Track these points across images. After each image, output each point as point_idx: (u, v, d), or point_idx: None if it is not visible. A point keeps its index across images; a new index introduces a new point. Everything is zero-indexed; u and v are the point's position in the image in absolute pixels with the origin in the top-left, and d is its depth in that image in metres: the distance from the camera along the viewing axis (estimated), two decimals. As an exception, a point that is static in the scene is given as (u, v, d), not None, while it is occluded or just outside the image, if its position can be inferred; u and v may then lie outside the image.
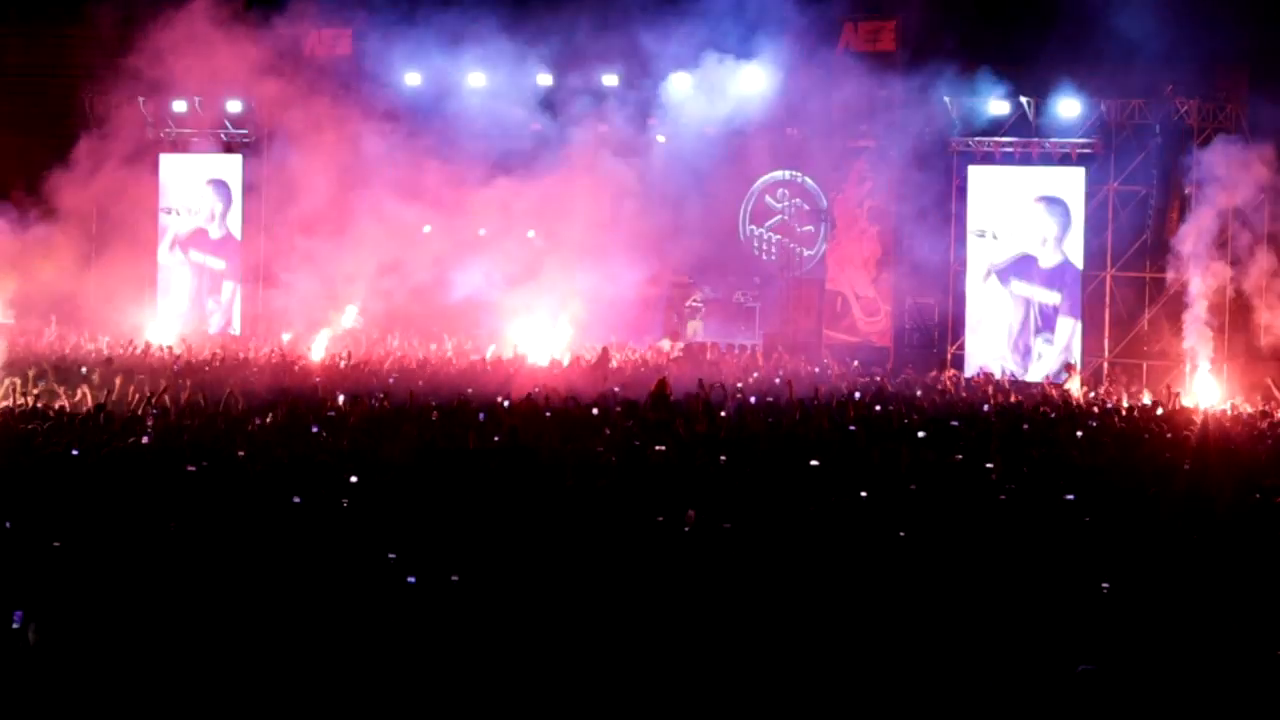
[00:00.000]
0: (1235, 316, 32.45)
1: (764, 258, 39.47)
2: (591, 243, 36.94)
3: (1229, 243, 31.95)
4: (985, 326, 34.52)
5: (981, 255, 34.44)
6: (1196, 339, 31.31)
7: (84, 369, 29.30)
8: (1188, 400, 29.59)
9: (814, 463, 20.02)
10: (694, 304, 39.63)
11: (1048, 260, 33.93)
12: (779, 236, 38.97)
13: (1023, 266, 34.08)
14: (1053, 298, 33.89)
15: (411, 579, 13.94)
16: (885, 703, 11.63)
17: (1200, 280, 31.66)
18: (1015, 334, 34.29)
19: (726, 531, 16.24)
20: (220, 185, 40.16)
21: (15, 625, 11.70)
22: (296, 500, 17.05)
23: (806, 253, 38.60)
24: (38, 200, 37.00)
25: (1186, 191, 32.92)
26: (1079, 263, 33.81)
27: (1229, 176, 31.67)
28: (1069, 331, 33.79)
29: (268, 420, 23.09)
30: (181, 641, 12.21)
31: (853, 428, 23.07)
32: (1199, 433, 23.89)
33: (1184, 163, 32.81)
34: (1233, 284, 32.40)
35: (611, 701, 11.57)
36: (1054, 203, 34.00)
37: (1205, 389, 30.61)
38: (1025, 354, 34.14)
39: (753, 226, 39.80)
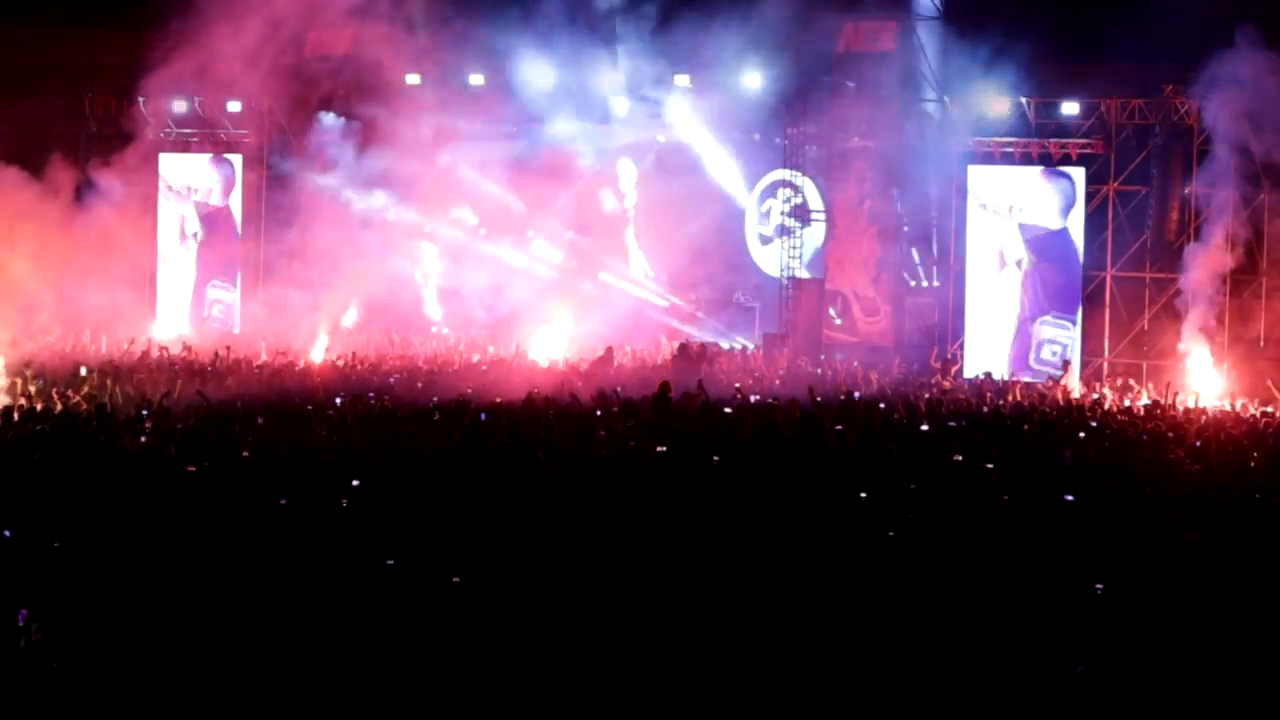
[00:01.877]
0: (1235, 316, 32.46)
1: (764, 258, 39.44)
2: (592, 243, 36.97)
3: (1229, 242, 31.94)
4: (985, 326, 34.55)
5: (994, 242, 34.47)
6: (1196, 339, 31.31)
7: (83, 370, 29.28)
8: (1188, 400, 29.59)
9: (814, 463, 20.03)
10: (688, 306, 39.55)
11: (1057, 228, 34.00)
12: (779, 236, 38.93)
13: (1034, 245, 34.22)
14: (1055, 293, 34.04)
15: (412, 579, 13.96)
16: (886, 703, 11.64)
17: (1200, 280, 31.65)
18: (1015, 333, 34.33)
19: (727, 533, 16.24)
20: (223, 162, 40.14)
21: (20, 624, 11.72)
22: (295, 501, 17.06)
23: (807, 253, 38.57)
24: (38, 199, 36.93)
25: (1186, 191, 32.94)
26: (1079, 263, 33.83)
27: (1229, 176, 31.69)
28: (1069, 330, 33.83)
29: (259, 421, 23.09)
30: (182, 641, 12.22)
31: (839, 427, 23.04)
32: (1199, 432, 23.87)
33: (1183, 162, 32.84)
34: (1233, 283, 32.42)
35: (612, 702, 11.58)
36: (1059, 175, 33.99)
37: (1205, 389, 30.61)
38: (1025, 353, 34.17)
39: (753, 226, 39.78)
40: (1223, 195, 31.64)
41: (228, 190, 40.14)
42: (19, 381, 26.56)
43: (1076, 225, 33.90)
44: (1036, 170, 34.08)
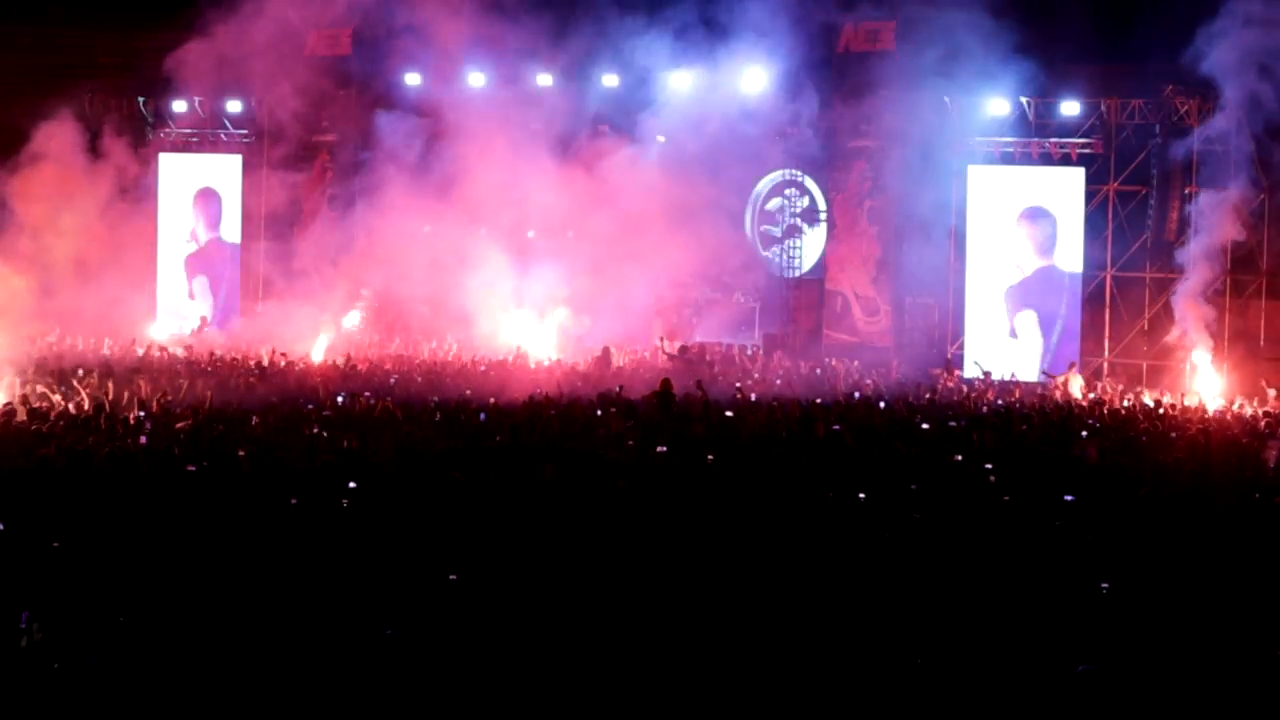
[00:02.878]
0: (1235, 316, 32.43)
1: (765, 258, 39.42)
2: (592, 243, 36.91)
3: (1229, 242, 31.89)
4: (985, 327, 34.54)
5: (988, 270, 34.50)
6: (1196, 339, 31.26)
7: (82, 371, 29.27)
8: (1188, 400, 29.58)
9: (813, 464, 20.03)
10: (688, 306, 39.43)
11: (1036, 269, 34.06)
12: (780, 236, 38.91)
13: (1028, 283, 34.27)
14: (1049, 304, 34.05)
15: (413, 580, 13.96)
16: (886, 704, 11.63)
17: (1200, 280, 31.59)
18: (1015, 335, 34.31)
19: (727, 533, 16.25)
20: (212, 193, 40.24)
21: (21, 626, 11.73)
22: (295, 501, 17.06)
23: (807, 253, 38.56)
24: (37, 200, 36.93)
25: (1186, 191, 32.90)
26: (1077, 264, 33.79)
27: (1228, 175, 31.63)
28: (1067, 333, 33.80)
29: (258, 421, 23.08)
30: (182, 641, 12.22)
31: (836, 427, 23.05)
32: (1199, 432, 23.87)
33: (1183, 162, 32.78)
34: (1233, 283, 32.38)
35: (613, 701, 11.58)
36: (1039, 215, 34.05)
37: (1205, 389, 30.59)
38: (1024, 354, 34.16)
39: (754, 226, 39.76)
40: (1234, 143, 31.30)
41: (220, 219, 40.21)
42: (19, 383, 26.55)
43: (1072, 251, 33.80)
44: (1019, 208, 34.05)
